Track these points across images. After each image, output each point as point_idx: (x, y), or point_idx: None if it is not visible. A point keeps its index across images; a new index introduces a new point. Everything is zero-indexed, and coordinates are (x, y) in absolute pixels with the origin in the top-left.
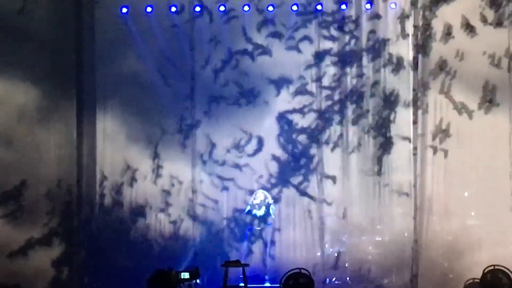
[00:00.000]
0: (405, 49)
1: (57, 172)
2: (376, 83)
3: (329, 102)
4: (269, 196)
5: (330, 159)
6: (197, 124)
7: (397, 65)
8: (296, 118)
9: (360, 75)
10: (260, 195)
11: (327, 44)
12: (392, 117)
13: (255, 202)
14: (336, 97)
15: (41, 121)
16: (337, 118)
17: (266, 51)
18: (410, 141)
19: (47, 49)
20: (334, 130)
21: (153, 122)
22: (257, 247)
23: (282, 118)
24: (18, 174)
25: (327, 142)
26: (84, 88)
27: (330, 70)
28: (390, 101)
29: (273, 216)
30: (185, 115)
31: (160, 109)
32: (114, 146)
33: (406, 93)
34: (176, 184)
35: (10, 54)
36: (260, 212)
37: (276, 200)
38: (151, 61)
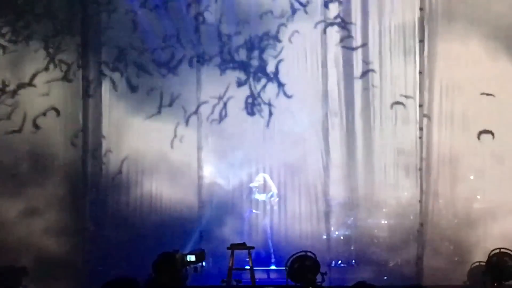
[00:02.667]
0: None
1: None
2: None
3: None
4: (270, 181)
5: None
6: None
7: None
8: None
9: None
10: (260, 178)
11: None
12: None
13: (254, 185)
14: None
15: None
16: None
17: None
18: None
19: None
20: None
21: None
22: (261, 231)
23: None
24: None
25: None
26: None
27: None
28: None
29: (274, 199)
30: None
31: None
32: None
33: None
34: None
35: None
36: (261, 197)
37: (278, 187)
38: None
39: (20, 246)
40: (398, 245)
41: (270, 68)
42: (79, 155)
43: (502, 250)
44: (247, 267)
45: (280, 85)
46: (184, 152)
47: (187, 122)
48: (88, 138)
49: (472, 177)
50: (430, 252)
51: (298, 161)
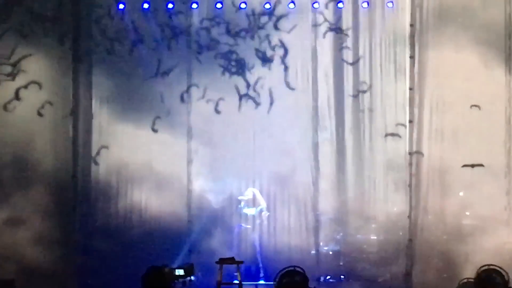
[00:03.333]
0: None
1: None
2: None
3: None
4: (259, 195)
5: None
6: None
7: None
8: None
9: None
10: (249, 192)
11: None
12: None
13: (243, 198)
14: None
15: None
16: None
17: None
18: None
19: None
20: None
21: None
22: (250, 246)
23: None
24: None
25: None
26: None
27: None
28: None
29: (264, 213)
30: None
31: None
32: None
33: None
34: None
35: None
36: (250, 211)
37: (268, 201)
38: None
39: (5, 256)
40: (387, 261)
41: (262, 83)
42: (68, 163)
43: (491, 266)
44: (236, 281)
45: (272, 102)
46: (174, 164)
47: (175, 132)
48: (78, 146)
49: (461, 193)
50: (419, 268)
51: (287, 175)
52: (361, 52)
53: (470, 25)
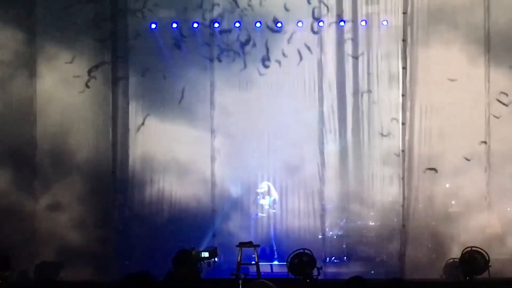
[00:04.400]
0: None
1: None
2: None
3: None
4: (273, 188)
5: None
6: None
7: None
8: None
9: None
10: (265, 185)
11: None
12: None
13: (260, 191)
14: None
15: None
16: None
17: None
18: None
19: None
20: None
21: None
22: (265, 231)
23: None
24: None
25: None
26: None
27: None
28: None
29: (274, 210)
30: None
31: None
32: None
33: None
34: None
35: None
36: (265, 202)
37: (280, 193)
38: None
39: (49, 239)
40: (383, 244)
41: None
42: (106, 152)
43: (473, 248)
44: (253, 262)
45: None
46: (199, 157)
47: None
48: (116, 138)
49: (447, 185)
50: (411, 249)
51: (298, 172)
52: (360, 64)
53: (454, 39)
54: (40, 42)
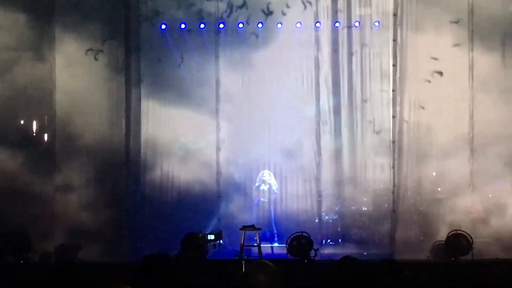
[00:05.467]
0: None
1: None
2: None
3: None
4: (272, 176)
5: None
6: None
7: None
8: None
9: None
10: (266, 173)
11: None
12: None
13: (263, 178)
14: None
15: None
16: None
17: None
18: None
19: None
20: None
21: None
22: (266, 215)
23: None
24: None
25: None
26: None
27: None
28: None
29: (276, 191)
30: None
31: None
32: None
33: None
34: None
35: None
36: (266, 188)
37: (280, 179)
38: None
39: (63, 221)
40: (375, 227)
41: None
42: (120, 137)
43: (458, 231)
44: (255, 244)
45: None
46: (208, 145)
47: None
48: (129, 124)
49: (434, 174)
50: (401, 232)
51: (296, 162)
52: (353, 61)
53: (441, 38)
54: (54, 28)
